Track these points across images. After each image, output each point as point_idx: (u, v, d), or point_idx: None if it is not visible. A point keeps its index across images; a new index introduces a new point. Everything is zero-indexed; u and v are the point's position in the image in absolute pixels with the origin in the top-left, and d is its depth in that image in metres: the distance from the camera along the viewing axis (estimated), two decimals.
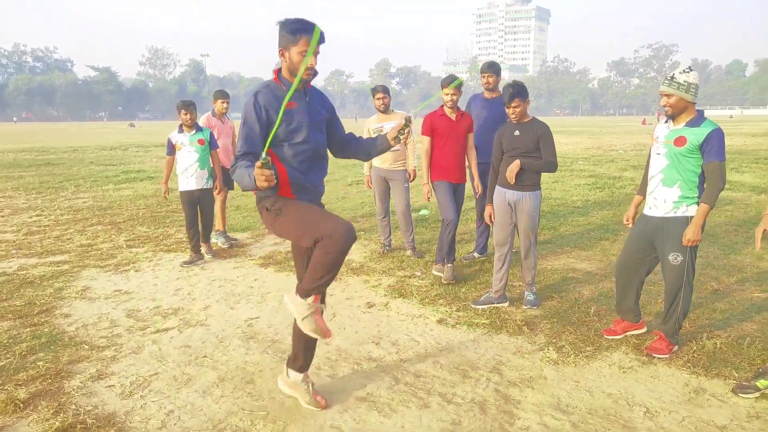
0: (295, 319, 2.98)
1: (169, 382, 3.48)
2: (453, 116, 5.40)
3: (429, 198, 5.57)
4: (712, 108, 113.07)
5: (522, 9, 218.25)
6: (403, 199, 6.33)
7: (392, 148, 3.18)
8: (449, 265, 5.36)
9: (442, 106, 5.46)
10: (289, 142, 2.85)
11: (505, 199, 4.65)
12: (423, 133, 5.52)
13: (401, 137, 3.02)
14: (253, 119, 2.78)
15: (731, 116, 79.69)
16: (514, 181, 4.49)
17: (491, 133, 5.57)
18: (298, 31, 2.73)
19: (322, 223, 2.76)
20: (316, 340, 3.19)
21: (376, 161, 6.34)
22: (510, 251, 4.77)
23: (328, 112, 3.10)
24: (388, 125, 6.21)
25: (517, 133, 4.54)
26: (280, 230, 2.93)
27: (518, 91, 4.41)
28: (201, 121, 6.88)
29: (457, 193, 5.52)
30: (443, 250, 5.39)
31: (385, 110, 6.29)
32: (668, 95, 3.52)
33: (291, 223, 2.85)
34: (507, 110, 4.51)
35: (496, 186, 4.74)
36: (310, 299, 2.87)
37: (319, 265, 2.78)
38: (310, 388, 3.21)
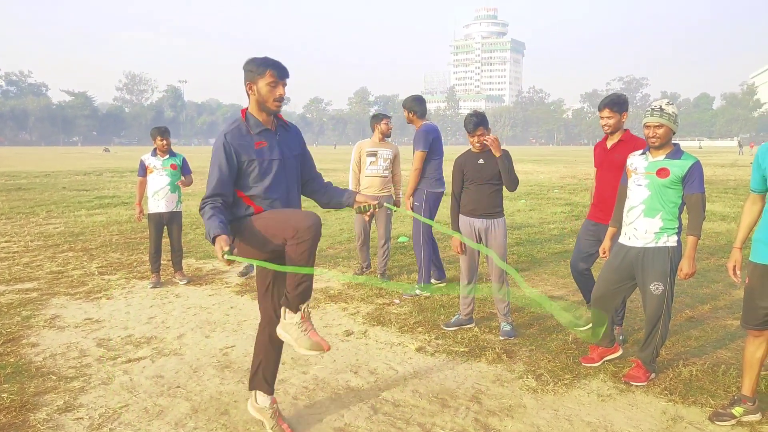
0: (256, 336, 2.97)
1: (140, 414, 3.36)
2: (609, 144, 4.47)
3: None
4: (681, 139, 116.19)
5: (498, 41, 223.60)
6: (384, 225, 6.38)
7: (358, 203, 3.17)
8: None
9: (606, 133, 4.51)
10: (261, 182, 2.87)
11: (473, 228, 4.68)
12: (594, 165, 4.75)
13: (363, 213, 3.08)
14: (223, 160, 2.80)
15: (700, 147, 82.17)
16: (499, 152, 4.45)
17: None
18: (265, 65, 2.82)
19: (289, 219, 2.73)
20: (277, 355, 3.15)
21: (363, 187, 6.39)
22: (476, 278, 4.87)
23: (300, 148, 3.12)
24: (383, 151, 6.34)
25: (481, 161, 4.62)
26: (254, 239, 2.86)
27: (481, 120, 4.52)
28: None
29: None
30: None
31: (389, 135, 6.45)
32: (658, 126, 3.58)
33: (262, 230, 2.79)
34: (471, 140, 4.58)
35: (460, 215, 4.78)
36: (297, 317, 2.80)
37: (293, 260, 2.73)
38: (276, 413, 3.14)
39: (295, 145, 3.08)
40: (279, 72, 2.84)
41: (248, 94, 2.89)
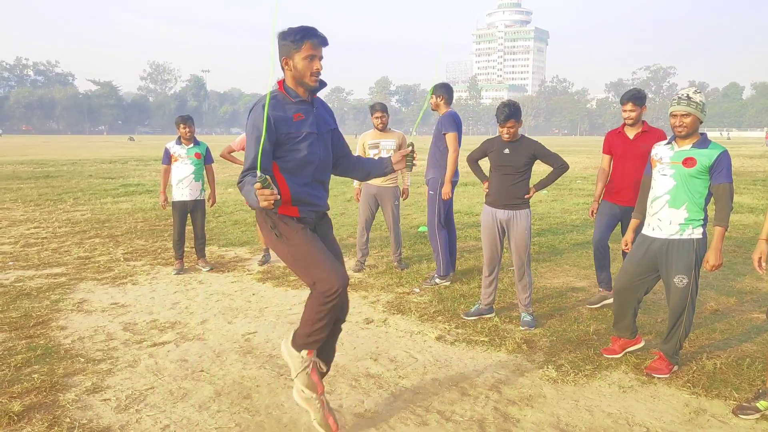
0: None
1: (165, 396, 3.44)
2: (631, 134, 4.91)
3: (593, 215, 5.30)
4: (710, 129, 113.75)
5: (521, 30, 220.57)
6: (393, 215, 6.36)
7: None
8: (600, 289, 5.20)
9: (624, 123, 5.01)
10: (294, 154, 2.80)
11: (495, 218, 4.65)
12: (603, 152, 5.26)
13: (410, 163, 3.03)
14: (263, 132, 2.69)
15: (729, 138, 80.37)
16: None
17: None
18: (301, 37, 2.73)
19: (316, 268, 2.72)
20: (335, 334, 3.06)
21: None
22: (498, 268, 4.83)
23: (334, 123, 3.08)
24: (385, 142, 6.22)
25: (507, 151, 4.56)
26: (279, 253, 2.87)
27: (514, 112, 4.44)
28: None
29: (628, 215, 4.68)
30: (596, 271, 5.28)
31: (383, 128, 6.31)
32: (685, 115, 3.51)
33: (289, 255, 2.81)
34: (501, 129, 4.51)
35: (485, 205, 4.76)
36: (304, 353, 2.82)
37: (309, 314, 2.76)
38: (325, 406, 2.96)
39: (330, 119, 3.03)
40: (318, 40, 2.75)
41: (284, 70, 2.81)
